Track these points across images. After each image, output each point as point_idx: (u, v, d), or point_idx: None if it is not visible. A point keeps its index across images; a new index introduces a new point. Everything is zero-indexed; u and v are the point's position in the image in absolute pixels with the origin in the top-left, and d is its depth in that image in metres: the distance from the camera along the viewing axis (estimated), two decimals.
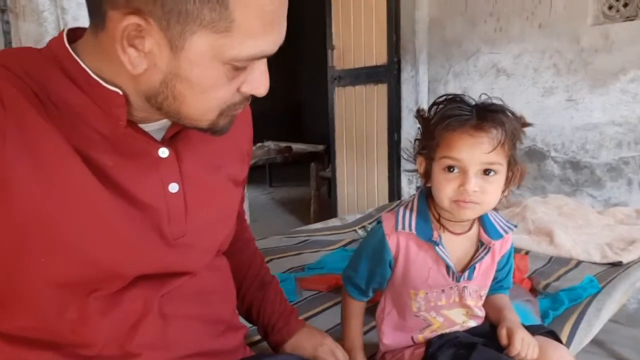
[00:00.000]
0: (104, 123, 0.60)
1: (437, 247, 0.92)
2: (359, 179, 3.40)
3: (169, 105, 0.60)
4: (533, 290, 1.41)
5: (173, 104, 0.59)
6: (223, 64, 0.57)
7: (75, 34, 0.62)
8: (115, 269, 0.63)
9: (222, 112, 0.62)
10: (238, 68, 0.58)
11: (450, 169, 0.85)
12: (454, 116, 0.83)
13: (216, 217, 0.74)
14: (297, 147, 5.48)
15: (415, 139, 0.96)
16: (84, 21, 1.64)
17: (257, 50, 0.57)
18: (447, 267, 0.94)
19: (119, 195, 0.61)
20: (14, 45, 1.57)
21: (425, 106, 2.96)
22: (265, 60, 0.61)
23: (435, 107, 0.91)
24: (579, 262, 1.59)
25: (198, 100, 0.59)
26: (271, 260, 1.68)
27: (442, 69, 2.91)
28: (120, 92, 0.59)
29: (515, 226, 0.99)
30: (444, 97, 0.91)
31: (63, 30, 0.62)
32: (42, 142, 0.55)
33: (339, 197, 3.58)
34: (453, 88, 2.87)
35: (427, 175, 0.92)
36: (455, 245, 0.96)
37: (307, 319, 1.29)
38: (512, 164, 0.87)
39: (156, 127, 0.66)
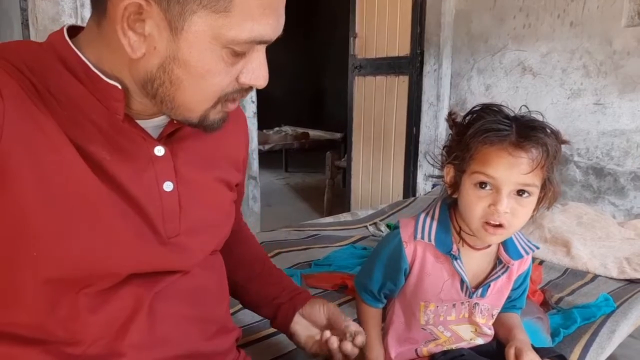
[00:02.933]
0: (101, 116, 0.60)
1: (455, 262, 0.88)
2: (374, 171, 3.36)
3: (164, 91, 0.59)
4: (545, 304, 1.37)
5: (169, 90, 0.59)
6: (222, 46, 0.57)
7: (76, 31, 0.62)
8: (107, 265, 0.62)
9: (217, 102, 0.61)
10: (237, 54, 0.58)
11: (482, 185, 0.80)
12: (492, 130, 0.79)
13: (210, 217, 0.73)
14: (314, 133, 5.45)
15: (445, 146, 0.92)
16: None
17: (256, 34, 0.57)
18: (462, 282, 0.91)
19: (114, 190, 0.61)
20: (30, 23, 1.56)
21: (446, 101, 2.90)
22: (264, 51, 0.61)
23: (470, 115, 0.86)
24: (595, 277, 1.54)
25: (195, 86, 0.59)
26: (279, 254, 1.66)
27: (466, 64, 2.83)
28: (119, 86, 0.60)
29: (538, 247, 0.94)
30: (482, 106, 0.86)
31: (64, 27, 0.63)
32: (39, 134, 0.55)
33: (353, 188, 3.55)
34: (476, 84, 2.80)
35: (454, 186, 0.88)
36: (473, 261, 0.92)
37: None
38: (546, 186, 0.82)
39: (153, 124, 0.66)
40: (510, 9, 2.57)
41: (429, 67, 2.93)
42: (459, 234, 0.90)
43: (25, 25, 1.58)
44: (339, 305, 1.35)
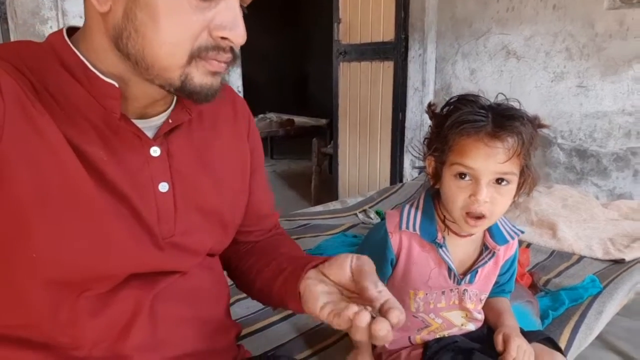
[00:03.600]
0: (98, 115, 0.60)
1: (440, 250, 0.90)
2: (361, 157, 3.37)
3: (133, 45, 0.57)
4: (533, 287, 1.40)
5: (137, 42, 0.57)
6: None
7: (75, 32, 0.63)
8: (105, 266, 0.62)
9: (192, 58, 0.57)
10: None
11: (462, 176, 0.82)
12: (468, 122, 0.80)
13: (206, 219, 0.72)
14: (299, 120, 5.42)
15: (425, 138, 0.93)
16: None
17: None
18: (449, 270, 0.93)
19: (110, 191, 0.61)
20: (9, 16, 1.52)
21: (431, 86, 2.90)
22: (237, 4, 0.58)
23: (448, 107, 0.88)
24: (580, 258, 1.57)
25: (160, 32, 0.55)
26: None
27: (451, 48, 2.83)
28: (117, 85, 0.60)
29: (523, 232, 0.96)
30: (458, 97, 0.87)
31: (63, 27, 0.63)
32: (37, 135, 0.55)
33: (340, 175, 3.56)
34: (461, 68, 2.81)
35: (436, 177, 0.89)
36: (459, 248, 0.94)
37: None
38: (525, 172, 0.84)
39: (149, 124, 0.66)
40: None
41: (413, 52, 2.93)
42: (443, 222, 0.92)
43: (3, 19, 1.54)
44: None
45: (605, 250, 1.56)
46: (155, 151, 0.65)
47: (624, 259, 1.50)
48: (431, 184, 0.92)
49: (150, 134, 0.65)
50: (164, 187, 0.66)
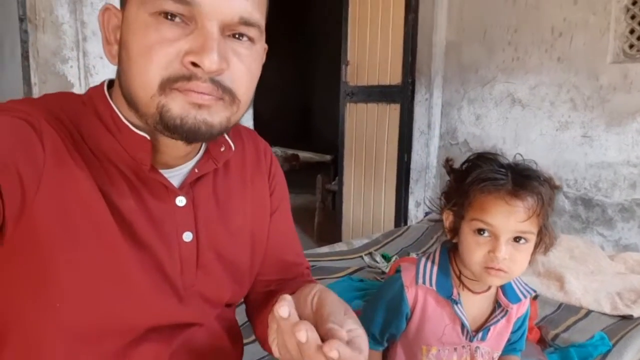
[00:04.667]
0: (128, 166, 0.62)
1: (455, 306, 0.90)
2: (365, 197, 3.38)
3: (123, 85, 0.59)
4: (542, 341, 1.39)
5: (124, 82, 0.58)
6: (150, 14, 0.55)
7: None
8: (126, 317, 0.62)
9: (164, 87, 0.56)
10: (174, 20, 0.55)
11: (481, 232, 0.83)
12: (489, 179, 0.82)
13: (225, 269, 0.73)
14: (304, 155, 5.47)
15: (443, 192, 0.94)
16: None
17: None
18: (462, 326, 0.93)
19: (136, 242, 0.61)
20: (30, 55, 1.56)
21: (437, 130, 2.93)
22: (212, 32, 0.55)
23: (467, 163, 0.90)
24: (588, 312, 1.56)
25: (133, 65, 0.56)
26: None
27: (457, 93, 2.88)
28: (148, 137, 0.61)
29: (535, 291, 0.96)
30: (477, 155, 0.89)
31: (105, 80, 0.66)
32: (72, 185, 0.57)
33: (345, 213, 3.56)
34: (467, 113, 2.85)
35: (453, 231, 0.90)
36: (473, 304, 0.94)
37: None
38: (542, 232, 0.85)
39: (176, 173, 0.67)
40: (500, 42, 2.64)
41: (420, 96, 2.98)
42: (459, 278, 0.92)
43: (25, 57, 1.58)
44: None
45: (613, 305, 1.55)
46: (181, 201, 0.66)
47: (632, 315, 1.49)
48: (448, 238, 0.93)
49: (176, 182, 0.66)
50: (187, 236, 0.67)
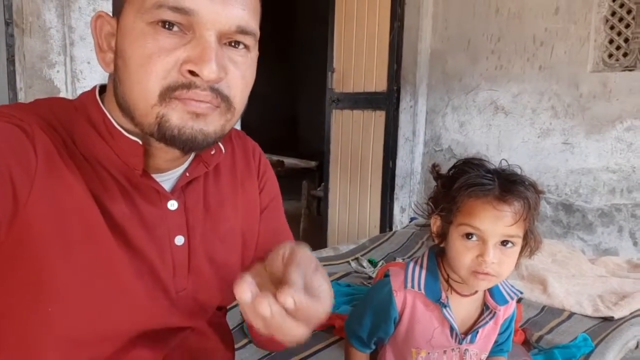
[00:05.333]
0: (120, 171, 0.62)
1: (444, 309, 0.92)
2: (351, 203, 3.40)
3: (120, 94, 0.59)
4: (526, 343, 1.41)
5: (121, 90, 0.58)
6: (147, 23, 0.55)
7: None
8: (120, 323, 0.62)
9: (164, 96, 0.56)
10: (171, 29, 0.55)
11: (469, 236, 0.85)
12: (477, 185, 0.84)
13: (215, 273, 0.73)
14: (289, 161, 5.47)
15: (430, 197, 0.96)
16: (90, 40, 1.62)
17: None
18: (451, 329, 0.94)
19: (129, 247, 0.62)
20: (17, 59, 1.55)
21: (421, 136, 2.96)
22: (210, 41, 0.56)
23: (454, 169, 0.92)
24: (571, 314, 1.60)
25: (131, 74, 0.56)
26: None
27: (441, 101, 2.93)
28: (140, 142, 0.61)
29: (521, 292, 0.99)
30: (464, 161, 0.91)
31: (96, 85, 0.66)
32: (65, 191, 0.57)
33: (330, 218, 3.57)
34: (451, 120, 2.89)
35: (440, 236, 0.92)
36: (461, 307, 0.96)
37: None
38: (528, 235, 0.87)
39: (167, 177, 0.67)
40: (483, 50, 2.70)
41: (405, 104, 3.02)
42: (447, 281, 0.94)
43: (10, 61, 1.56)
44: (327, 346, 1.36)
45: (594, 308, 1.59)
46: (172, 204, 0.66)
47: (613, 317, 1.53)
48: (436, 243, 0.95)
49: (167, 186, 0.67)
50: (179, 240, 0.67)
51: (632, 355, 1.42)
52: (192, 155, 0.70)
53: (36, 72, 1.53)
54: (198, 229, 0.69)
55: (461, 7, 2.78)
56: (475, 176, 0.86)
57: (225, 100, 0.59)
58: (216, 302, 0.76)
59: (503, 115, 2.66)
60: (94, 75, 1.61)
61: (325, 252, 2.17)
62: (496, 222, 0.83)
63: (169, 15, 0.55)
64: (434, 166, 0.97)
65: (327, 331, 1.43)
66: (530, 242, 0.88)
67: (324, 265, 2.01)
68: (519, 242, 0.86)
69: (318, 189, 4.15)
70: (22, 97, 1.55)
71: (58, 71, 1.56)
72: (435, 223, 0.93)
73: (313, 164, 5.22)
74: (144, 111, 0.57)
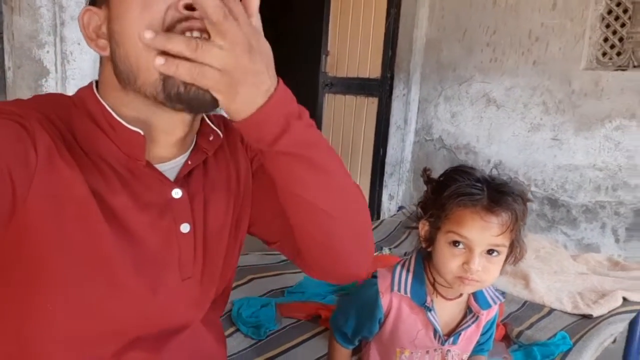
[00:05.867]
0: (121, 163, 0.62)
1: (429, 313, 0.94)
2: None
3: (120, 60, 0.58)
4: (506, 338, 1.45)
5: (121, 55, 0.58)
6: None
7: None
8: (119, 323, 0.63)
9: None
10: None
11: (456, 243, 0.87)
12: (466, 194, 0.85)
13: (217, 257, 0.74)
14: None
15: (420, 202, 0.97)
16: None
17: None
18: (435, 331, 0.97)
19: (131, 244, 0.62)
20: (5, 38, 1.51)
21: (413, 125, 2.96)
22: None
23: (445, 176, 0.93)
24: (551, 310, 1.64)
25: (130, 32, 0.56)
26: (252, 280, 1.67)
27: (434, 90, 2.93)
28: (142, 132, 0.61)
29: (504, 297, 1.01)
30: (456, 168, 0.92)
31: (92, 81, 0.66)
32: (65, 187, 0.57)
33: None
34: (443, 110, 2.90)
35: (428, 241, 0.94)
36: (445, 310, 0.98)
37: (286, 350, 1.29)
38: (514, 244, 0.89)
39: (170, 166, 0.68)
40: (478, 42, 2.69)
41: (398, 91, 3.01)
42: (432, 285, 0.96)
43: None
44: (313, 336, 1.39)
45: (574, 305, 1.63)
46: (177, 193, 0.66)
47: (591, 315, 1.57)
48: (424, 247, 0.96)
49: (170, 176, 0.67)
50: (185, 227, 0.67)
51: (608, 347, 1.47)
52: (192, 145, 0.70)
53: (25, 52, 1.50)
54: (204, 215, 0.70)
55: None
56: (465, 185, 0.87)
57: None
58: (217, 288, 0.77)
59: (495, 108, 2.68)
60: (84, 56, 1.58)
61: None
62: (483, 232, 0.84)
63: None
64: (425, 170, 0.99)
65: (313, 321, 1.45)
66: (515, 251, 0.90)
67: None
68: (504, 251, 0.88)
69: None
70: (10, 77, 1.52)
71: (48, 52, 1.53)
72: (424, 228, 0.94)
73: None
74: (146, 69, 0.56)
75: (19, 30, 1.49)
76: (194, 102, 0.57)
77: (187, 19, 0.55)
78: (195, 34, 0.55)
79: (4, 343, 0.61)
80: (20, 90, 1.54)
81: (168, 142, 0.65)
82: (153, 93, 0.57)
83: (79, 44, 1.57)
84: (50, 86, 1.55)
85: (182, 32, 0.55)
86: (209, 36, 0.50)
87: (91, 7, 0.62)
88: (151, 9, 0.55)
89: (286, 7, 6.97)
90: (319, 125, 3.46)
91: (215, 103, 0.58)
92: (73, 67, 1.57)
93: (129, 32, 0.56)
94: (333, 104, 3.38)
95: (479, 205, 0.85)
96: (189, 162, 0.68)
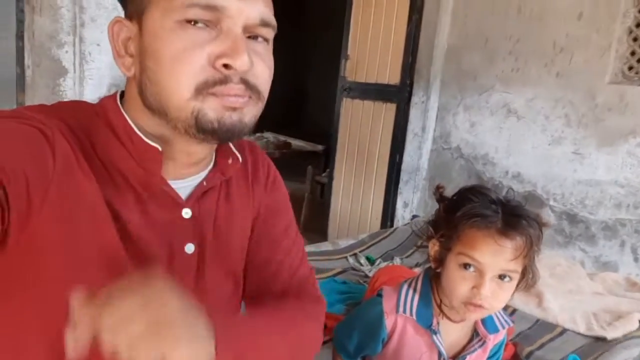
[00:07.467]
0: (137, 177, 0.62)
1: (434, 336, 0.92)
2: (354, 192, 3.39)
3: (151, 94, 0.60)
4: (516, 357, 1.42)
5: (152, 91, 0.59)
6: (176, 21, 0.57)
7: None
8: None
9: (199, 92, 0.57)
10: (197, 25, 0.57)
11: (466, 266, 0.84)
12: (480, 216, 0.82)
13: (222, 278, 0.73)
14: (296, 143, 5.45)
15: (431, 220, 0.95)
16: (101, 22, 1.60)
17: None
18: (439, 354, 0.94)
19: (140, 255, 0.62)
20: (25, 37, 1.53)
21: (431, 133, 2.93)
22: (239, 33, 0.58)
23: (458, 195, 0.90)
24: (563, 330, 1.60)
25: (167, 74, 0.58)
26: None
27: (454, 99, 2.89)
28: (160, 148, 0.62)
29: (513, 322, 0.98)
30: (470, 188, 0.90)
31: (117, 91, 0.66)
32: (79, 196, 0.57)
33: (332, 206, 3.57)
34: (462, 119, 2.86)
35: (437, 261, 0.91)
36: (451, 332, 0.96)
37: None
38: (527, 270, 0.86)
39: (184, 184, 0.68)
40: (501, 51, 2.64)
41: (417, 99, 2.98)
42: (439, 306, 0.93)
43: (19, 36, 1.55)
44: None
45: (588, 326, 1.58)
46: (187, 213, 0.67)
47: (605, 338, 1.53)
48: (432, 267, 0.94)
49: (183, 194, 0.67)
50: (189, 248, 0.67)
51: None
52: (210, 165, 0.70)
53: (45, 51, 1.52)
54: (209, 238, 0.70)
55: (482, 4, 2.71)
56: (478, 206, 0.84)
57: (254, 90, 0.61)
58: (217, 308, 0.76)
59: (515, 119, 2.63)
60: (103, 57, 1.60)
61: (324, 247, 2.17)
62: (496, 256, 0.82)
63: (199, 14, 0.57)
64: (438, 187, 0.96)
65: None
66: (527, 277, 0.87)
67: (322, 259, 2.02)
68: (516, 276, 0.85)
69: (323, 174, 4.14)
70: (29, 75, 1.54)
71: (67, 51, 1.55)
72: (434, 247, 0.92)
73: (320, 147, 5.20)
74: (178, 106, 0.58)
75: (39, 30, 1.51)
76: (227, 134, 0.60)
77: (225, 80, 0.58)
78: (232, 100, 0.59)
79: (5, 350, 0.61)
80: (39, 88, 1.56)
81: (187, 161, 0.66)
82: (184, 127, 0.59)
83: (98, 44, 1.59)
84: (68, 85, 1.56)
85: (219, 97, 0.58)
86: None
87: (121, 19, 0.62)
88: (189, 57, 0.57)
89: (306, 10, 6.98)
90: (335, 129, 3.44)
91: (244, 134, 0.62)
92: (91, 68, 1.59)
93: (165, 73, 0.58)
94: (351, 108, 3.36)
95: (493, 227, 0.82)
96: (204, 183, 0.68)
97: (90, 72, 1.58)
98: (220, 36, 0.58)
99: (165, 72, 0.57)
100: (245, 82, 0.59)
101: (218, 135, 0.60)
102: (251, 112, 0.62)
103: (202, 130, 0.59)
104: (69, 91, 1.58)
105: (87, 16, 1.55)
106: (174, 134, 0.62)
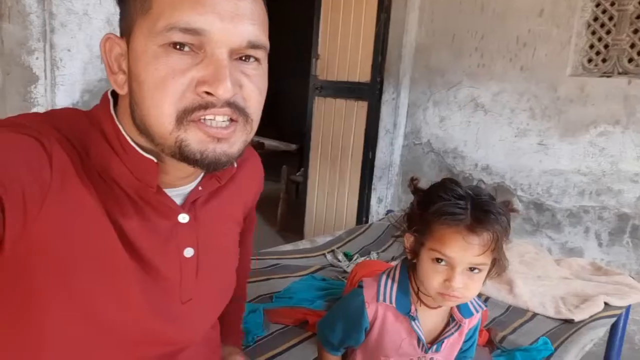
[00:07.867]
0: (133, 187, 0.62)
1: (413, 322, 0.96)
2: (329, 190, 3.43)
3: (137, 117, 0.59)
4: (490, 343, 1.48)
5: (140, 115, 0.59)
6: (159, 45, 0.55)
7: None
8: (123, 338, 0.64)
9: (181, 120, 0.57)
10: (182, 49, 0.56)
11: (438, 260, 0.89)
12: (449, 214, 0.87)
13: (222, 280, 0.76)
14: (270, 143, 5.46)
15: (406, 213, 0.99)
16: (71, 27, 1.59)
17: (178, 19, 0.54)
18: (418, 339, 0.99)
19: (140, 262, 0.63)
20: None
21: (402, 129, 2.98)
22: (222, 59, 0.57)
23: (432, 188, 0.94)
24: (534, 315, 1.67)
25: (149, 101, 0.57)
26: None
27: (423, 95, 2.96)
28: (155, 160, 0.61)
29: (486, 306, 1.04)
30: (441, 182, 0.94)
31: (107, 92, 0.65)
32: (78, 207, 0.57)
33: (308, 205, 3.60)
34: (432, 115, 2.93)
35: (413, 252, 0.96)
36: (428, 318, 1.00)
37: (274, 356, 1.31)
38: (496, 260, 0.91)
39: (179, 192, 0.69)
40: (467, 47, 2.72)
41: (387, 96, 3.04)
42: (417, 294, 0.98)
43: None
44: (301, 341, 1.41)
45: (556, 310, 1.66)
46: (183, 218, 0.67)
47: (573, 320, 1.61)
48: (409, 258, 0.98)
49: (179, 200, 0.68)
50: (189, 252, 0.69)
51: (590, 351, 1.51)
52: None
53: (14, 58, 1.50)
54: (208, 240, 0.72)
55: (448, 2, 2.79)
56: (449, 204, 0.88)
57: (242, 113, 0.60)
58: (216, 312, 0.78)
59: (482, 113, 2.71)
60: (74, 62, 1.59)
61: (302, 244, 2.20)
62: (464, 251, 0.86)
63: (180, 37, 0.55)
64: (412, 180, 1.00)
65: (301, 327, 1.47)
66: (498, 265, 0.92)
67: (301, 257, 2.05)
68: (485, 268, 0.90)
69: (297, 173, 4.17)
70: None
71: (37, 58, 1.53)
72: (409, 240, 0.96)
73: (293, 147, 5.23)
74: (162, 135, 0.58)
75: (8, 37, 1.49)
76: (210, 166, 0.59)
77: (206, 106, 0.57)
78: (220, 118, 0.58)
79: (6, 354, 0.61)
80: (10, 96, 1.54)
81: (179, 175, 0.66)
82: (170, 154, 0.59)
83: (68, 50, 1.57)
84: (40, 92, 1.55)
85: (201, 124, 0.57)
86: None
87: (112, 36, 0.61)
88: (169, 86, 0.56)
89: (277, 9, 6.98)
90: (308, 128, 3.48)
91: (232, 162, 0.61)
92: (63, 74, 1.57)
93: (147, 100, 0.57)
94: (323, 107, 3.39)
95: (462, 225, 0.86)
96: (200, 188, 0.69)
97: (62, 78, 1.57)
98: (204, 60, 0.56)
99: (147, 98, 0.57)
100: (231, 104, 0.58)
101: (201, 167, 0.59)
102: (240, 139, 0.61)
103: (186, 159, 0.58)
104: (41, 98, 1.57)
105: (57, 22, 1.53)
106: (163, 154, 0.61)
